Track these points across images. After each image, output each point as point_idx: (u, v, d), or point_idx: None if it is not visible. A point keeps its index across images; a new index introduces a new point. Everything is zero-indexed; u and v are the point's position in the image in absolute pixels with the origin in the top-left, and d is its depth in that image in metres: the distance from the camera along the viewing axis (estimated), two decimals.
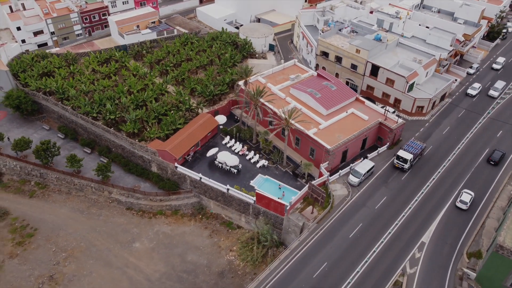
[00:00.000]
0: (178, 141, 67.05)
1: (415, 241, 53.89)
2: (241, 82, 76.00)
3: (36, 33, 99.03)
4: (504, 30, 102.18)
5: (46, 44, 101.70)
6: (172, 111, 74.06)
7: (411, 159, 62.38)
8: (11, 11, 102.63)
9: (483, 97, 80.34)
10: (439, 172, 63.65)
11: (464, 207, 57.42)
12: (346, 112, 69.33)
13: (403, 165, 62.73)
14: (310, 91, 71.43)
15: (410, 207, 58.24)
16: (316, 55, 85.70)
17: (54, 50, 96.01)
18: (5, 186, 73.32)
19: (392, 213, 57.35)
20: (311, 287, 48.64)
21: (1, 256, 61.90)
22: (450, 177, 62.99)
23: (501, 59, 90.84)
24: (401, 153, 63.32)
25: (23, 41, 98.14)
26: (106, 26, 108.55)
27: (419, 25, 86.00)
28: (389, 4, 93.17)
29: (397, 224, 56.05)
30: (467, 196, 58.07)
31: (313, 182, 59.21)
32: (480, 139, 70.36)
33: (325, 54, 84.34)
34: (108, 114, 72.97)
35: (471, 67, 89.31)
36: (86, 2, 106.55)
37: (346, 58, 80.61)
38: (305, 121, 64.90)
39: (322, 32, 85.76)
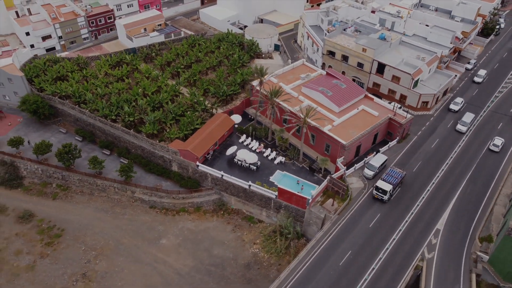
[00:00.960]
0: (198, 141, 69.70)
1: (430, 228, 57.68)
2: (254, 82, 78.81)
3: (44, 38, 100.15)
4: (497, 27, 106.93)
5: (54, 48, 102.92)
6: (188, 112, 76.57)
7: (390, 190, 59.56)
8: (17, 16, 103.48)
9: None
10: (447, 163, 67.41)
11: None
12: (357, 109, 72.77)
13: (383, 197, 59.81)
14: (322, 90, 74.70)
15: (423, 197, 62.03)
16: (323, 54, 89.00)
17: (64, 54, 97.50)
18: (27, 189, 75.06)
19: (407, 203, 61.08)
20: (339, 273, 52.04)
21: (32, 257, 63.93)
22: (458, 168, 66.89)
23: (482, 72, 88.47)
24: (380, 183, 60.28)
25: (32, 46, 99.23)
26: (111, 29, 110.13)
27: (420, 23, 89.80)
28: (390, 3, 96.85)
29: (412, 213, 59.75)
30: None
31: (328, 176, 62.58)
32: (483, 132, 74.67)
33: (331, 53, 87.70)
34: (127, 116, 75.14)
35: (469, 63, 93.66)
36: (90, 6, 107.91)
37: (353, 56, 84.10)
38: (321, 119, 68.13)
39: (328, 32, 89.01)
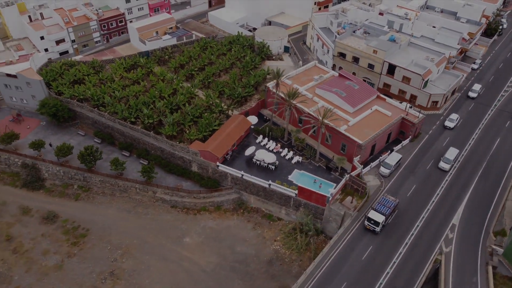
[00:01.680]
0: (218, 142, 71.74)
1: (446, 223, 60.12)
2: (269, 84, 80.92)
3: (58, 42, 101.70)
4: (500, 27, 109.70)
5: (67, 52, 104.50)
6: (206, 114, 78.57)
7: (383, 222, 57.38)
8: (30, 20, 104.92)
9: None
10: (459, 161, 69.83)
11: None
12: (371, 109, 75.08)
13: (375, 228, 57.61)
14: (336, 91, 76.95)
15: (438, 193, 64.45)
16: (333, 56, 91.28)
17: (78, 57, 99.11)
18: (48, 191, 76.77)
19: (423, 199, 63.49)
20: (362, 266, 54.38)
21: (59, 256, 65.74)
22: (467, 170, 69.40)
23: (477, 86, 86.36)
24: (372, 214, 57.98)
25: (46, 50, 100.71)
26: (122, 32, 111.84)
27: (427, 25, 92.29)
28: (397, 5, 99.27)
29: (428, 209, 62.15)
30: None
31: (348, 175, 64.87)
32: (490, 130, 77.34)
33: (342, 55, 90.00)
34: (146, 118, 77.03)
35: (474, 63, 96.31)
36: (101, 10, 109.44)
37: (364, 58, 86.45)
38: (337, 119, 70.39)
39: (338, 35, 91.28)
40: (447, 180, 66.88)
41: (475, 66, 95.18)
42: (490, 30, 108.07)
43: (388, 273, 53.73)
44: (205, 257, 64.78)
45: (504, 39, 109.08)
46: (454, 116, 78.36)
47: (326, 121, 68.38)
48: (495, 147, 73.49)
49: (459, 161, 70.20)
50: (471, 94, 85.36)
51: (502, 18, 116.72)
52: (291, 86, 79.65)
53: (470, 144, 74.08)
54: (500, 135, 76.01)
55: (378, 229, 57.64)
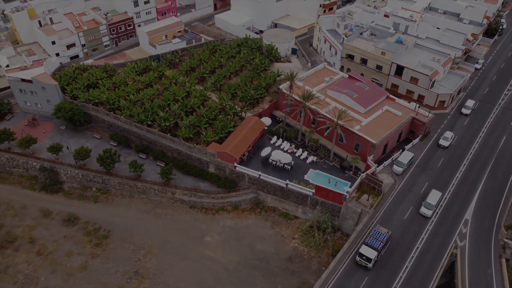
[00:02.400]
0: (235, 143, 73.65)
1: (460, 219, 62.59)
2: (282, 86, 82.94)
3: (68, 46, 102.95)
4: (500, 27, 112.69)
5: (77, 56, 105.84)
6: (220, 116, 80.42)
7: (375, 257, 55.11)
8: (40, 25, 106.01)
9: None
10: (464, 164, 71.72)
11: None
12: (382, 110, 77.41)
13: (367, 264, 55.15)
14: (347, 92, 79.20)
15: (449, 190, 66.91)
16: (342, 57, 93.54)
17: (89, 61, 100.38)
18: (67, 194, 78.20)
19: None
20: (382, 262, 56.56)
21: (83, 257, 67.29)
22: (478, 163, 72.05)
23: (470, 102, 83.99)
24: (364, 250, 55.62)
25: (57, 54, 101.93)
26: (131, 36, 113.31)
27: (432, 27, 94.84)
28: (402, 8, 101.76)
29: (441, 206, 64.55)
30: None
31: (365, 173, 67.14)
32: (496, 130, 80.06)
33: (350, 57, 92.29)
34: (162, 121, 78.72)
35: (477, 63, 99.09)
36: (109, 14, 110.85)
37: (372, 59, 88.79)
38: (350, 120, 72.60)
39: (346, 37, 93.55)
40: (457, 177, 69.32)
41: (478, 66, 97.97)
42: (491, 31, 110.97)
43: (406, 267, 55.98)
44: (226, 256, 66.68)
45: (504, 38, 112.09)
46: (448, 134, 76.14)
47: (340, 122, 70.53)
48: (502, 144, 76.13)
49: (464, 164, 72.05)
50: (464, 110, 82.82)
51: (502, 18, 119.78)
52: (303, 88, 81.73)
53: (477, 142, 76.55)
54: (506, 132, 78.69)
55: (370, 265, 54.86)
